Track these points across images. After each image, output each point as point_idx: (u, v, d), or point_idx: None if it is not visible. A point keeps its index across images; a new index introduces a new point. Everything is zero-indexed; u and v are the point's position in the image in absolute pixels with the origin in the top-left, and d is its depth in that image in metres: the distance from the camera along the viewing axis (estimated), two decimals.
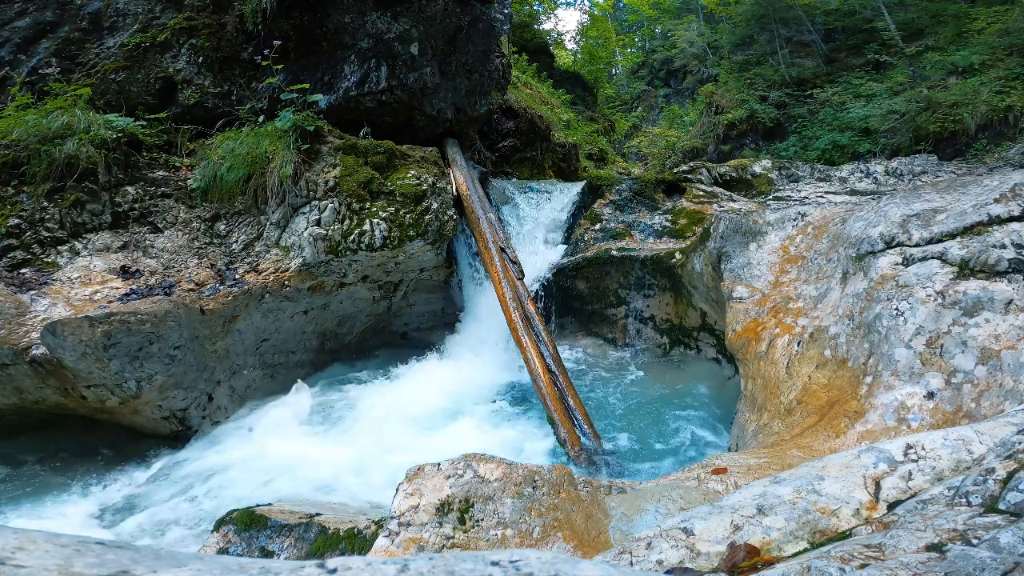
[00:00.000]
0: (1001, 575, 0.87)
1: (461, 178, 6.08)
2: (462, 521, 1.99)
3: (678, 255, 5.54)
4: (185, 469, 3.97)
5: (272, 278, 4.84)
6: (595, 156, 13.10)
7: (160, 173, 5.06)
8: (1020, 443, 1.34)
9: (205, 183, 5.00)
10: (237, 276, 4.76)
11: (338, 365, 5.81)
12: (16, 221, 4.31)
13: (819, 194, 6.95)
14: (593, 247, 6.31)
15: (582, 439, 4.05)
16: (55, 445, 4.16)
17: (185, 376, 4.21)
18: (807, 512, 1.42)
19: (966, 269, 2.84)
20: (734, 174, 7.90)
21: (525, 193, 6.95)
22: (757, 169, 8.11)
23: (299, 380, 4.98)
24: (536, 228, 6.67)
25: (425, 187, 5.44)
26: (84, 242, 4.48)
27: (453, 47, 6.50)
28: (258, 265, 4.89)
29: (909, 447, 1.58)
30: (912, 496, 1.41)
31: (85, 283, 4.21)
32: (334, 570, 0.52)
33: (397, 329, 6.32)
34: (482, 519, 2.00)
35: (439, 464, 2.21)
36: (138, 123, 5.10)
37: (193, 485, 3.74)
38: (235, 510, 2.95)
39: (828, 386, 3.01)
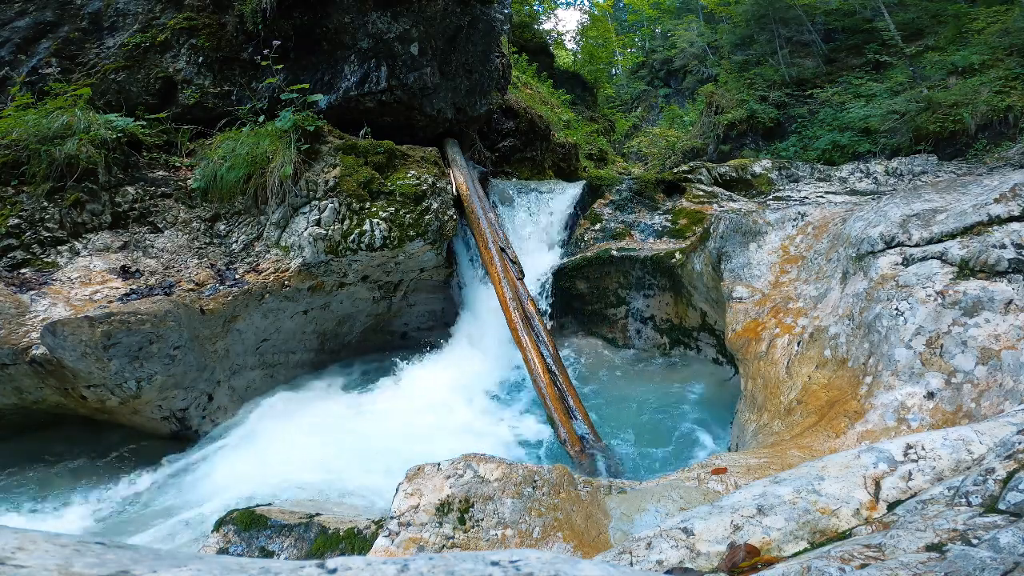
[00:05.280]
0: (1001, 575, 0.87)
1: (461, 178, 6.08)
2: (462, 521, 1.99)
3: (678, 255, 5.54)
4: (185, 468, 3.97)
5: (272, 278, 4.84)
6: (595, 156, 13.11)
7: (160, 173, 5.06)
8: (1020, 443, 1.34)
9: (205, 183, 5.00)
10: (237, 276, 4.76)
11: (338, 365, 5.81)
12: (16, 221, 4.31)
13: (819, 194, 6.95)
14: (593, 247, 6.31)
15: (582, 439, 4.05)
16: (55, 445, 4.16)
17: (185, 376, 4.21)
18: (807, 512, 1.42)
19: (966, 269, 2.84)
20: (734, 174, 7.90)
21: (525, 193, 6.95)
22: (757, 169, 8.11)
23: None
24: (536, 228, 6.67)
25: (425, 187, 5.44)
26: (84, 242, 4.48)
27: (453, 47, 6.50)
28: (258, 265, 4.89)
29: (909, 447, 1.58)
30: (912, 496, 1.41)
31: (85, 283, 4.21)
32: (334, 570, 0.52)
33: (397, 329, 6.32)
34: (482, 519, 2.00)
35: (439, 464, 2.21)
36: (138, 123, 5.10)
37: (193, 484, 3.74)
38: (235, 510, 2.95)
39: (828, 386, 3.01)
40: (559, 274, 6.16)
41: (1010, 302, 2.60)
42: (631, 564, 1.39)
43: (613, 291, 6.04)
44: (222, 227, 5.03)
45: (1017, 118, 8.72)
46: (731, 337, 3.96)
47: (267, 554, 2.69)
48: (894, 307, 2.91)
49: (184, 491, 3.68)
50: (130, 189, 4.81)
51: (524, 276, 5.46)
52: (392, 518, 2.02)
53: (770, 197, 7.23)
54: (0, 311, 3.77)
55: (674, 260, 5.54)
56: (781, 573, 1.10)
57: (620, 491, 2.27)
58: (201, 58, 5.58)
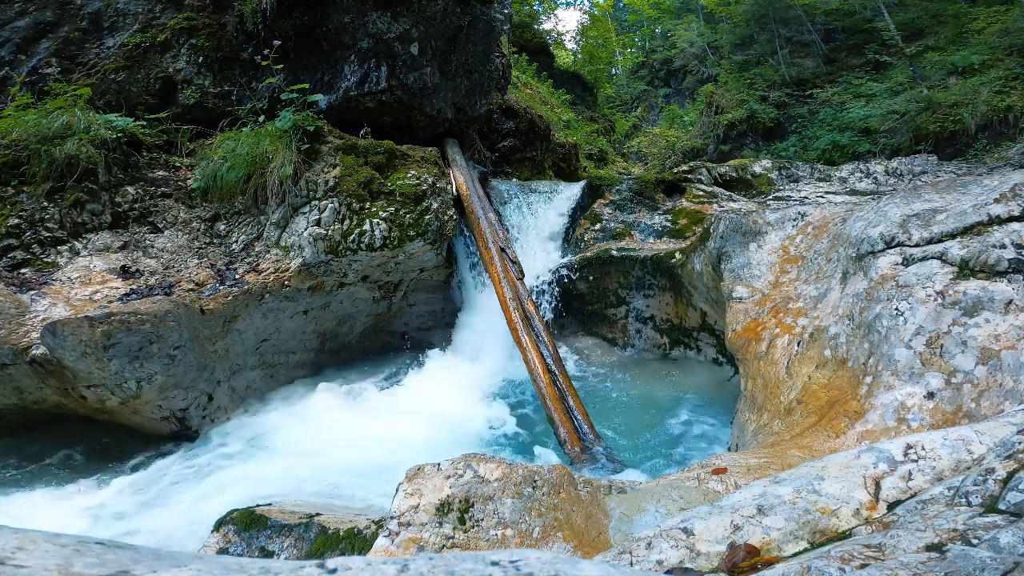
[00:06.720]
0: (1001, 575, 0.87)
1: (461, 178, 6.08)
2: (462, 521, 1.99)
3: (678, 255, 5.54)
4: (185, 469, 3.97)
5: (272, 278, 4.84)
6: (595, 156, 13.11)
7: (160, 173, 5.06)
8: (1020, 443, 1.34)
9: (205, 183, 5.00)
10: (237, 276, 4.76)
11: (338, 365, 5.81)
12: (16, 221, 4.31)
13: (819, 194, 6.95)
14: (593, 247, 6.31)
15: (582, 439, 4.05)
16: (55, 445, 4.16)
17: (185, 376, 4.21)
18: (807, 512, 1.42)
19: (966, 269, 2.84)
20: (734, 174, 7.89)
21: (525, 193, 6.95)
22: (757, 169, 8.11)
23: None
24: (536, 228, 6.67)
25: (425, 187, 5.44)
26: (84, 242, 4.48)
27: (453, 47, 6.50)
28: (258, 265, 4.89)
29: (909, 447, 1.58)
30: (912, 496, 1.41)
31: (85, 283, 4.21)
32: (334, 570, 0.52)
33: (397, 329, 6.32)
34: (482, 519, 2.00)
35: (439, 464, 2.21)
36: (138, 123, 5.10)
37: (193, 485, 3.74)
38: (235, 510, 2.95)
39: (828, 386, 3.01)
40: (559, 274, 6.15)
41: (1010, 302, 2.60)
42: (631, 564, 1.39)
43: (613, 291, 6.04)
44: (222, 227, 5.02)
45: (1017, 118, 8.72)
46: (731, 337, 3.96)
47: (267, 554, 2.70)
48: (894, 307, 2.91)
49: (182, 490, 3.68)
50: (130, 189, 4.81)
51: (524, 276, 5.46)
52: (392, 518, 2.02)
53: (770, 197, 7.22)
54: (0, 311, 3.77)
55: (674, 260, 5.54)
56: (781, 573, 1.10)
57: (620, 491, 2.27)
58: (201, 58, 5.58)
